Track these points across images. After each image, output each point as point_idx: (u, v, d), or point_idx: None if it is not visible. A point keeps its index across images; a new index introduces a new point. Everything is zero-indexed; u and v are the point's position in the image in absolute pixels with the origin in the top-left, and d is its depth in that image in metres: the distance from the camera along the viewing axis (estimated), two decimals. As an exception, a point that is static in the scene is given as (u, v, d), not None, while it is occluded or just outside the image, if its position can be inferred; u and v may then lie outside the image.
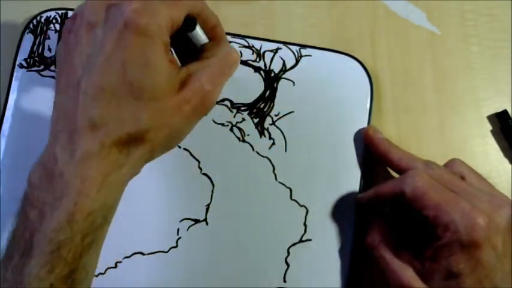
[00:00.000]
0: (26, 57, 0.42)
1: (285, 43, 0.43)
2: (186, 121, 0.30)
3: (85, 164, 0.28)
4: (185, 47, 0.32)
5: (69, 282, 0.28)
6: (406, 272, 0.34)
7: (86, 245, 0.28)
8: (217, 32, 0.33)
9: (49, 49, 0.42)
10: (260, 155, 0.41)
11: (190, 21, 0.31)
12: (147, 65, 0.28)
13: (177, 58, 0.32)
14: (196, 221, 0.40)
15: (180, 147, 0.41)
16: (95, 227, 0.29)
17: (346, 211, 0.40)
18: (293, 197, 0.41)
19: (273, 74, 0.42)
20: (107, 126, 0.28)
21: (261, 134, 0.41)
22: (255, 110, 0.42)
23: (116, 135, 0.28)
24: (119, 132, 0.28)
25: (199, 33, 0.32)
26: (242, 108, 0.42)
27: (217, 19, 0.33)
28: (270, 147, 0.41)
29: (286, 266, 0.40)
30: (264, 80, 0.42)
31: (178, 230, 0.40)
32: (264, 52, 0.42)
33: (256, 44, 0.43)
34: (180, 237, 0.40)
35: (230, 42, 0.42)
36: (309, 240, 0.40)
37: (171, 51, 0.31)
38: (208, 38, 0.33)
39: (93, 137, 0.28)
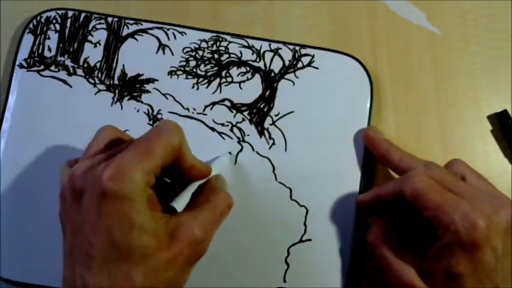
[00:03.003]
0: (26, 57, 0.42)
1: (285, 43, 0.43)
2: (180, 272, 0.30)
3: None
4: (178, 176, 0.33)
5: None
6: (408, 272, 0.34)
7: None
8: (202, 172, 0.33)
9: (49, 49, 0.42)
10: (260, 155, 0.41)
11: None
12: (132, 227, 0.28)
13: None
14: (196, 221, 0.40)
15: (180, 147, 0.41)
16: None
17: (346, 211, 0.40)
18: (293, 197, 0.41)
19: (273, 74, 0.42)
20: None
21: (261, 134, 0.41)
22: (255, 110, 0.42)
23: None
24: None
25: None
26: (242, 108, 0.42)
27: (196, 161, 0.33)
28: (270, 147, 0.41)
29: (286, 266, 0.40)
30: (264, 80, 0.42)
31: (178, 230, 0.40)
32: (264, 52, 0.42)
33: (256, 44, 0.43)
34: (180, 237, 0.40)
35: (230, 42, 0.42)
36: (309, 240, 0.40)
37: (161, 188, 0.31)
38: (190, 178, 0.33)
39: None
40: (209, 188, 0.34)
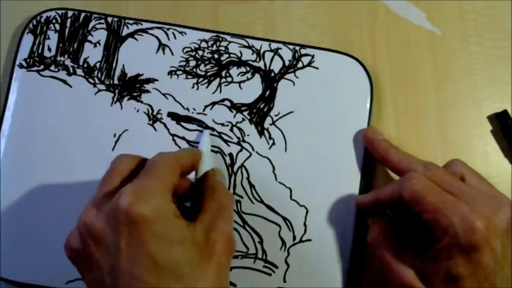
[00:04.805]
0: (25, 57, 0.42)
1: (285, 43, 0.42)
2: (226, 272, 0.31)
3: None
4: None
5: None
6: (407, 273, 0.34)
7: None
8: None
9: (49, 49, 0.42)
10: (260, 155, 0.41)
11: None
12: (172, 244, 0.28)
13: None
14: (197, 221, 0.40)
15: (180, 147, 0.41)
16: None
17: (346, 211, 0.40)
18: (293, 197, 0.41)
19: (273, 74, 0.42)
20: None
21: (261, 134, 0.41)
22: (255, 110, 0.42)
23: None
24: None
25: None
26: (242, 108, 0.42)
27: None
28: (270, 147, 0.41)
29: (286, 266, 0.40)
30: (264, 80, 0.42)
31: (178, 230, 0.40)
32: (264, 52, 0.42)
33: (256, 44, 0.43)
34: (180, 237, 0.40)
35: (230, 42, 0.42)
36: (309, 240, 0.40)
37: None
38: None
39: None
40: (211, 187, 0.34)
